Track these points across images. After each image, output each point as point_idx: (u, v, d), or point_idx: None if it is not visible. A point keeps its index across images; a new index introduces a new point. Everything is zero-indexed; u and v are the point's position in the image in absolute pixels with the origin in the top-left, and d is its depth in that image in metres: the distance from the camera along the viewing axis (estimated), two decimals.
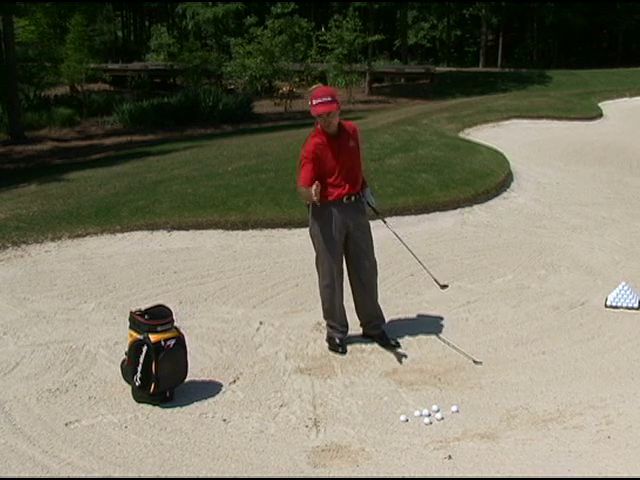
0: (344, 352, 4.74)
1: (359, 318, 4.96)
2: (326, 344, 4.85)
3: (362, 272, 4.79)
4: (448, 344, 4.88)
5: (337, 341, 4.79)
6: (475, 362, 4.55)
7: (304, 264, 6.33)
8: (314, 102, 4.48)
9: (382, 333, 4.90)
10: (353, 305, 4.95)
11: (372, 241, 4.82)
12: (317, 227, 4.66)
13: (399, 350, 4.78)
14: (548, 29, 43.11)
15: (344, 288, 4.85)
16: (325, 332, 4.92)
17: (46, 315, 5.31)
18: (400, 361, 4.64)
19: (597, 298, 5.75)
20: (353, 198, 4.65)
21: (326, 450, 3.61)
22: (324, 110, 4.46)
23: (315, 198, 4.31)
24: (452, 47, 47.99)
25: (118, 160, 12.85)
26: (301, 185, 4.55)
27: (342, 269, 4.78)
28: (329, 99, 4.49)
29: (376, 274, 4.89)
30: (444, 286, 4.84)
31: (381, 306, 5.05)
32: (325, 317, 4.88)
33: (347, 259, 4.79)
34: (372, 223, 4.86)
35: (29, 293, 5.74)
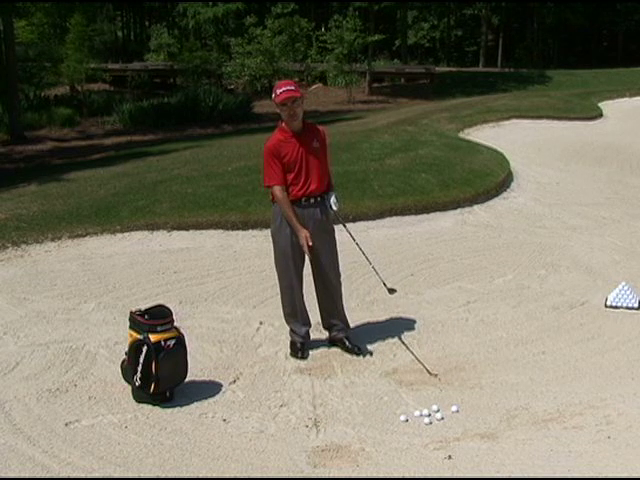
0: (305, 357, 4.68)
1: (322, 321, 4.89)
2: (326, 344, 4.85)
3: (324, 277, 4.72)
4: (448, 344, 4.88)
5: (298, 346, 4.73)
6: (430, 374, 4.44)
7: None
8: (278, 91, 4.42)
9: (344, 338, 4.81)
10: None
11: (335, 246, 4.73)
12: (275, 227, 4.61)
13: (398, 350, 4.78)
14: (548, 29, 43.14)
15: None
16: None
17: (46, 315, 5.31)
18: (400, 361, 4.64)
19: (597, 298, 5.75)
20: (312, 200, 4.57)
21: (326, 450, 3.61)
22: (288, 95, 4.39)
23: (306, 248, 4.41)
24: (452, 47, 47.98)
25: (118, 160, 12.84)
26: (272, 185, 4.48)
27: (301, 270, 4.72)
28: (293, 87, 4.46)
29: (338, 279, 4.80)
30: (392, 290, 4.77)
31: (381, 306, 5.05)
32: (287, 321, 4.82)
33: (310, 263, 4.72)
34: (367, 224, 4.84)
35: (29, 293, 5.75)
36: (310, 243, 4.42)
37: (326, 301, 4.80)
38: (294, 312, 4.76)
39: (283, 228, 4.55)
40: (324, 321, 4.89)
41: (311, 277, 4.78)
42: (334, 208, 4.70)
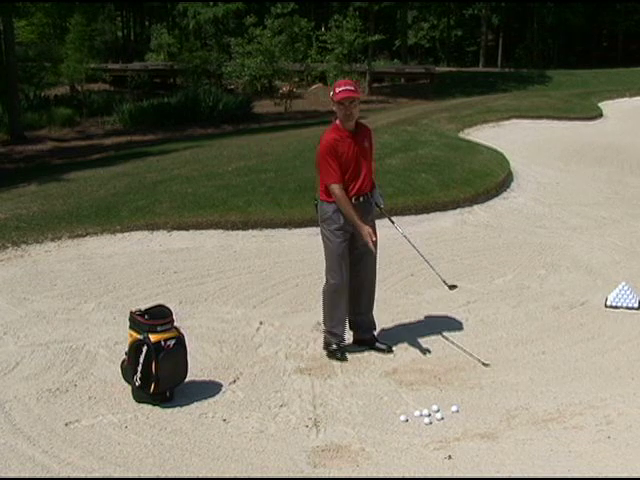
0: (344, 359, 4.65)
1: (350, 321, 4.88)
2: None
3: (363, 276, 4.73)
4: (448, 344, 4.88)
5: (334, 347, 4.72)
6: (484, 364, 4.52)
7: (304, 264, 6.33)
8: (337, 90, 4.45)
9: (373, 337, 4.84)
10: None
11: (376, 245, 4.72)
12: (327, 228, 4.59)
13: (398, 350, 4.77)
14: (548, 29, 43.13)
15: None
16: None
17: (46, 315, 5.30)
18: (400, 361, 4.64)
19: (597, 298, 5.75)
20: (362, 199, 4.61)
21: (326, 450, 3.61)
22: (348, 95, 4.42)
23: (371, 244, 4.39)
24: (452, 47, 47.99)
25: (118, 160, 12.85)
26: (332, 183, 4.46)
27: (349, 272, 4.69)
28: (352, 88, 4.50)
29: (375, 279, 4.83)
30: (452, 286, 4.75)
31: (381, 306, 5.04)
32: (325, 320, 4.79)
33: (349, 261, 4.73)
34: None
35: (29, 293, 5.74)
36: (374, 238, 4.44)
37: (360, 300, 4.80)
38: (335, 314, 4.71)
39: (336, 227, 4.54)
40: (353, 321, 4.87)
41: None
42: (381, 205, 4.78)
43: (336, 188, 4.46)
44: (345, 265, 4.64)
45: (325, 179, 4.53)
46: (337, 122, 4.55)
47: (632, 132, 15.06)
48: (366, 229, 4.42)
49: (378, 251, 4.76)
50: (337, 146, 4.48)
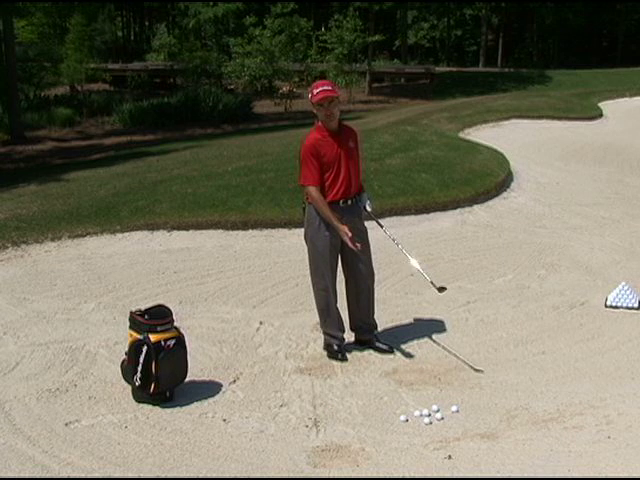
0: (344, 359, 4.66)
1: (350, 323, 4.88)
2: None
3: (358, 277, 4.72)
4: (448, 344, 4.88)
5: (335, 348, 4.71)
6: (475, 370, 4.50)
7: (304, 264, 6.28)
8: (315, 91, 4.42)
9: (374, 338, 4.83)
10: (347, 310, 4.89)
11: (369, 246, 4.74)
12: (314, 228, 4.57)
13: (398, 350, 4.78)
14: (548, 29, 43.16)
15: (339, 293, 4.79)
16: (321, 335, 4.90)
17: (46, 315, 5.30)
18: (400, 361, 4.64)
19: (597, 298, 5.75)
20: (350, 201, 4.59)
21: (326, 450, 3.61)
22: (326, 95, 4.39)
23: (350, 243, 4.33)
24: (452, 47, 48.00)
25: (118, 160, 12.84)
26: (308, 184, 4.46)
27: (337, 274, 4.72)
28: (330, 87, 4.47)
29: (373, 280, 4.81)
30: (442, 289, 4.72)
31: (381, 306, 5.04)
32: (322, 325, 4.79)
33: (343, 264, 4.73)
34: (371, 224, 4.84)
35: (29, 293, 5.74)
36: (351, 236, 4.36)
37: (359, 302, 4.79)
38: (328, 316, 4.72)
39: (322, 230, 4.52)
40: (353, 322, 4.87)
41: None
42: (368, 209, 4.72)
43: (312, 190, 4.46)
44: (331, 268, 4.63)
45: (302, 180, 4.52)
46: (319, 124, 4.53)
47: (632, 132, 15.07)
48: (343, 228, 4.37)
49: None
50: (320, 147, 4.46)
